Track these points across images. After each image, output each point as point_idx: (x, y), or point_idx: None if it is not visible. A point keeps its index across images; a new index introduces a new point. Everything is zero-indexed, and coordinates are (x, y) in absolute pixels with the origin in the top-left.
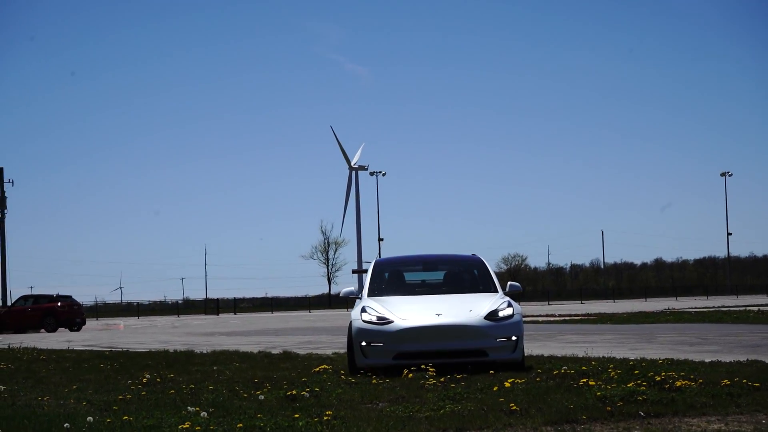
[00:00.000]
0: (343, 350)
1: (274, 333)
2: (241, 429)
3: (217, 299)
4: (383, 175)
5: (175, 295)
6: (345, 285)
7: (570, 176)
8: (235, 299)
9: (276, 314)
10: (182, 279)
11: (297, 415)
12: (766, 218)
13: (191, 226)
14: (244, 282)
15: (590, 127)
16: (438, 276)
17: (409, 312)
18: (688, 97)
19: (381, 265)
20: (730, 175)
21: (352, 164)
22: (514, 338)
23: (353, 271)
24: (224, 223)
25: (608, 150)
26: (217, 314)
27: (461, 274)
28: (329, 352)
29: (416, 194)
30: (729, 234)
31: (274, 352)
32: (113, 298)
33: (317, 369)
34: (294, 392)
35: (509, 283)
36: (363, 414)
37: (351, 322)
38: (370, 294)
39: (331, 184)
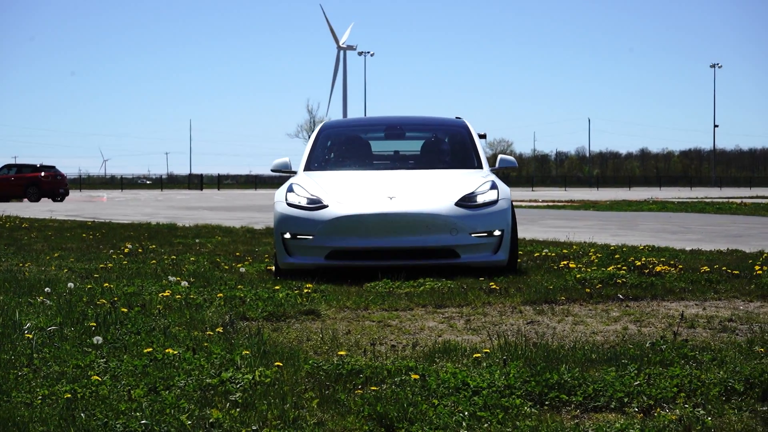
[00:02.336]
0: None
1: (257, 209)
2: (221, 299)
3: (201, 175)
4: (371, 55)
5: (159, 170)
6: None
7: (558, 63)
8: (219, 175)
9: (260, 191)
10: (167, 154)
11: (277, 287)
12: (752, 111)
13: (177, 101)
14: (229, 158)
15: (580, 14)
16: (406, 146)
17: (352, 194)
18: None
19: (328, 130)
20: (720, 67)
21: (340, 44)
22: (497, 233)
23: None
24: (210, 99)
25: (598, 37)
26: (201, 189)
27: (436, 144)
28: None
29: (404, 75)
30: (715, 126)
31: (257, 227)
32: (97, 171)
33: None
34: (273, 267)
35: (500, 156)
36: (343, 288)
37: (274, 205)
38: (308, 168)
39: (318, 63)
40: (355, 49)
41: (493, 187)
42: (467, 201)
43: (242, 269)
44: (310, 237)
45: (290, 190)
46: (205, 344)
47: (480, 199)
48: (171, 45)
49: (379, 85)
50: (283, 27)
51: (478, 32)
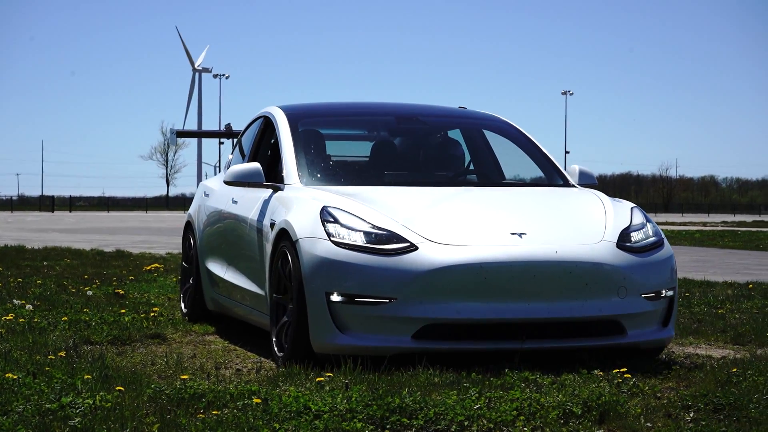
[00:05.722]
0: (178, 250)
1: (108, 232)
2: (66, 322)
3: (53, 196)
4: (227, 77)
5: (9, 191)
6: (185, 187)
7: (414, 90)
8: (71, 197)
9: (112, 213)
10: (17, 174)
11: (123, 311)
12: (602, 137)
13: (28, 122)
14: (81, 180)
15: (432, 39)
16: (433, 149)
17: (450, 226)
18: (532, 14)
19: (299, 118)
20: (571, 95)
21: (195, 66)
22: (667, 293)
23: (178, 134)
24: (62, 119)
25: (451, 63)
26: (52, 211)
27: (479, 146)
28: (162, 252)
29: (258, 98)
30: (567, 152)
31: (107, 250)
32: None
33: (149, 267)
34: (121, 291)
35: (579, 169)
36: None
37: (295, 243)
38: (309, 181)
39: (173, 85)
40: (210, 72)
41: (647, 219)
42: (626, 241)
43: (89, 292)
44: (387, 301)
45: (328, 217)
46: (47, 368)
47: (636, 238)
48: (21, 64)
49: (235, 107)
50: (137, 48)
51: (334, 56)
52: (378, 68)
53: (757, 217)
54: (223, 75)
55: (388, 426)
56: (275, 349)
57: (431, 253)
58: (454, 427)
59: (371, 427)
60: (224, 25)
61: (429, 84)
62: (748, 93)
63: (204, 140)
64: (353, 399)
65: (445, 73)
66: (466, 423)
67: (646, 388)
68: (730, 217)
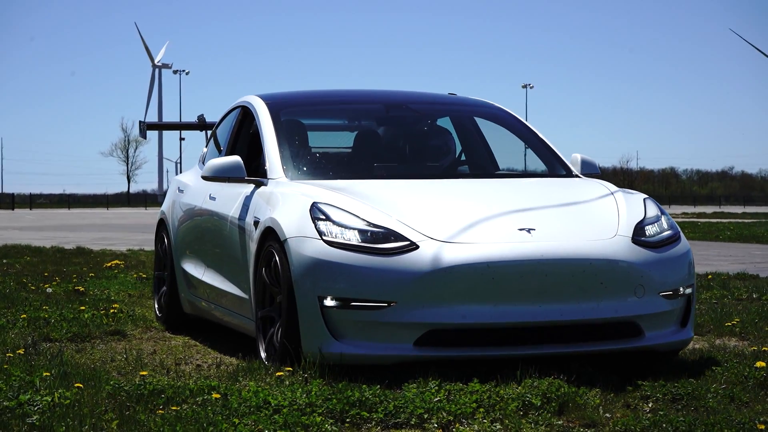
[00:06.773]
0: (139, 247)
1: (69, 229)
2: (25, 320)
3: (13, 194)
4: (187, 73)
5: None
6: (145, 184)
7: (375, 81)
8: (31, 195)
9: (73, 211)
10: None
11: (83, 308)
12: (563, 130)
13: None
14: (42, 177)
15: (391, 29)
16: (418, 141)
17: (453, 222)
18: (493, 8)
19: (281, 107)
20: (531, 88)
21: (155, 62)
22: (686, 291)
23: (148, 126)
24: (22, 116)
25: (414, 57)
26: (12, 209)
27: (470, 134)
28: (123, 248)
29: (219, 94)
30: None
31: (68, 247)
32: None
33: (109, 264)
34: (81, 288)
35: (580, 158)
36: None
37: (284, 243)
38: (294, 174)
39: (133, 81)
40: (170, 68)
41: (661, 211)
42: (641, 236)
43: (49, 290)
44: (386, 305)
45: (318, 214)
46: (5, 366)
47: (652, 232)
48: (21, 64)
49: (195, 103)
50: (96, 45)
51: (295, 53)
52: (330, 63)
53: (717, 209)
54: (183, 71)
55: (347, 419)
56: (263, 357)
57: (433, 252)
58: (413, 420)
59: (331, 420)
60: (184, 22)
61: (389, 75)
62: (707, 86)
63: (165, 137)
64: (313, 393)
65: (403, 64)
66: (425, 416)
67: (605, 378)
68: (690, 209)
